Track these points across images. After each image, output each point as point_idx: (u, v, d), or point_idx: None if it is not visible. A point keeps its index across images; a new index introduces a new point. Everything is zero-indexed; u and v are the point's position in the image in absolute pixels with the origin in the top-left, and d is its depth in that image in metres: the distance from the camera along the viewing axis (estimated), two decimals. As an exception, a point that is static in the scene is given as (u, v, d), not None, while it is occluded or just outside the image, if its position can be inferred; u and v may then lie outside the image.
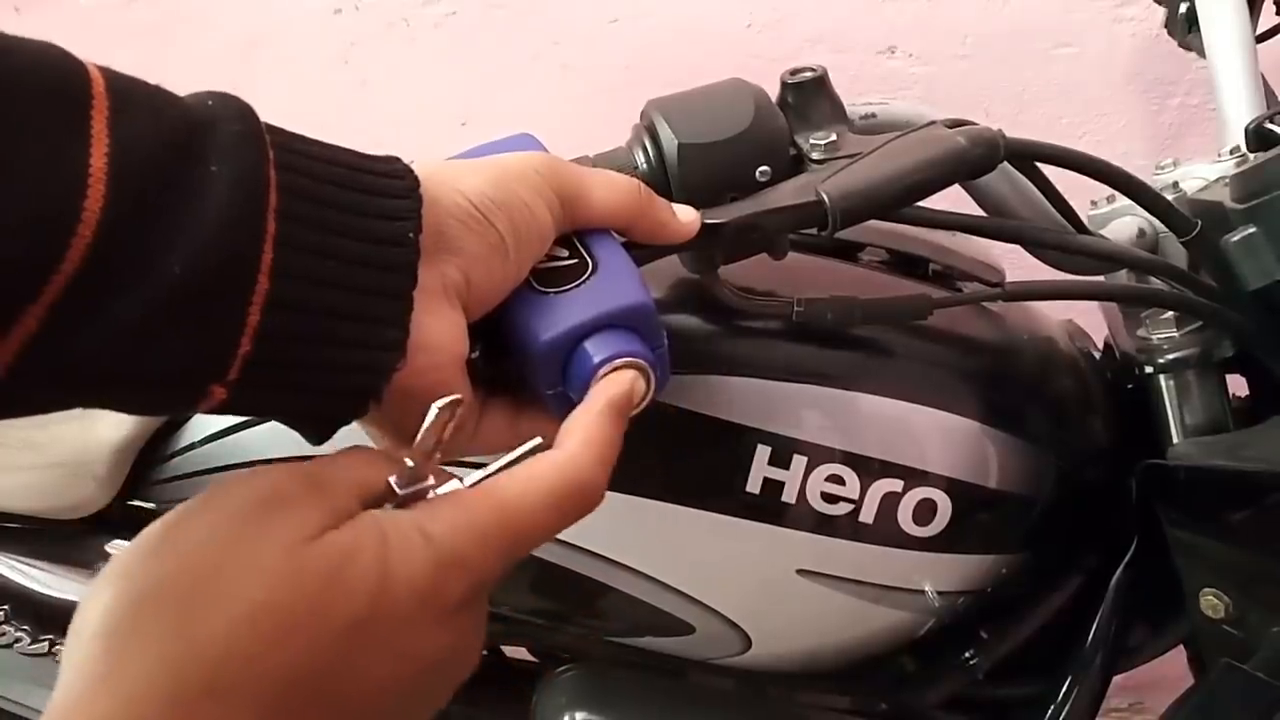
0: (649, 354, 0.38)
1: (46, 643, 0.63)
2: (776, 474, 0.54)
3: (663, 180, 0.47)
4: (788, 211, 0.45)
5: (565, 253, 0.41)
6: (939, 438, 0.56)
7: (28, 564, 0.65)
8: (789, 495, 0.54)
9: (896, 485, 0.55)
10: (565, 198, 0.40)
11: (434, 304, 0.35)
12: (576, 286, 0.39)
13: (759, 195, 0.46)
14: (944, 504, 0.56)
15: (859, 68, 1.00)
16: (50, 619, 0.64)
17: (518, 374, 0.41)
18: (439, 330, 0.35)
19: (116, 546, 0.64)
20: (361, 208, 0.33)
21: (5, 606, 0.64)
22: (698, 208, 0.46)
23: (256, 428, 0.59)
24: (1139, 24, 0.97)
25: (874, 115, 0.55)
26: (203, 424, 0.61)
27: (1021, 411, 0.59)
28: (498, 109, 1.05)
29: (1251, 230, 0.49)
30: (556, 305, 0.39)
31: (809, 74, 0.49)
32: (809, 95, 0.49)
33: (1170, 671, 0.68)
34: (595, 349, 0.38)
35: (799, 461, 0.54)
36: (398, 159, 0.36)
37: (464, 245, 0.36)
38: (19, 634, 0.63)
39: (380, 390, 0.34)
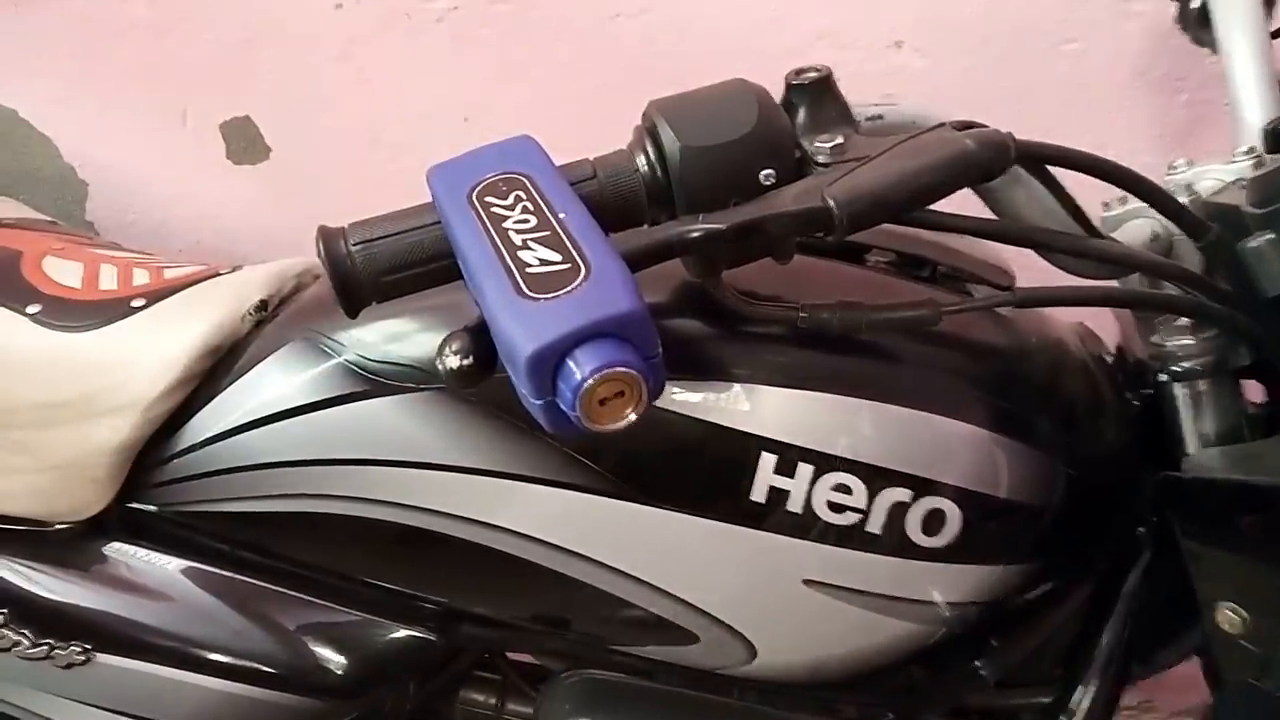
0: (641, 363, 0.37)
1: (46, 646, 0.63)
2: (782, 482, 0.53)
3: (665, 183, 0.46)
4: (793, 216, 0.44)
5: (557, 257, 0.39)
6: (948, 446, 0.55)
7: (27, 567, 0.64)
8: (794, 504, 0.53)
9: (905, 495, 0.54)
10: None
11: None
12: (567, 293, 0.38)
13: (763, 199, 0.45)
14: (953, 513, 0.55)
15: (863, 64, 0.99)
16: (50, 623, 0.63)
17: (509, 381, 0.40)
18: None
19: (116, 550, 0.63)
20: None
21: (5, 610, 0.63)
22: (700, 211, 0.45)
23: (256, 430, 0.59)
24: (1147, 19, 0.96)
25: (881, 116, 0.54)
26: (202, 426, 0.60)
27: (1032, 419, 0.58)
28: (499, 105, 1.04)
29: (1270, 236, 0.49)
30: (545, 312, 0.37)
31: (814, 74, 0.48)
32: (814, 96, 0.48)
33: (1179, 670, 0.67)
34: (584, 359, 0.36)
35: (805, 470, 0.53)
36: None
37: None
38: (18, 638, 0.63)
39: None
